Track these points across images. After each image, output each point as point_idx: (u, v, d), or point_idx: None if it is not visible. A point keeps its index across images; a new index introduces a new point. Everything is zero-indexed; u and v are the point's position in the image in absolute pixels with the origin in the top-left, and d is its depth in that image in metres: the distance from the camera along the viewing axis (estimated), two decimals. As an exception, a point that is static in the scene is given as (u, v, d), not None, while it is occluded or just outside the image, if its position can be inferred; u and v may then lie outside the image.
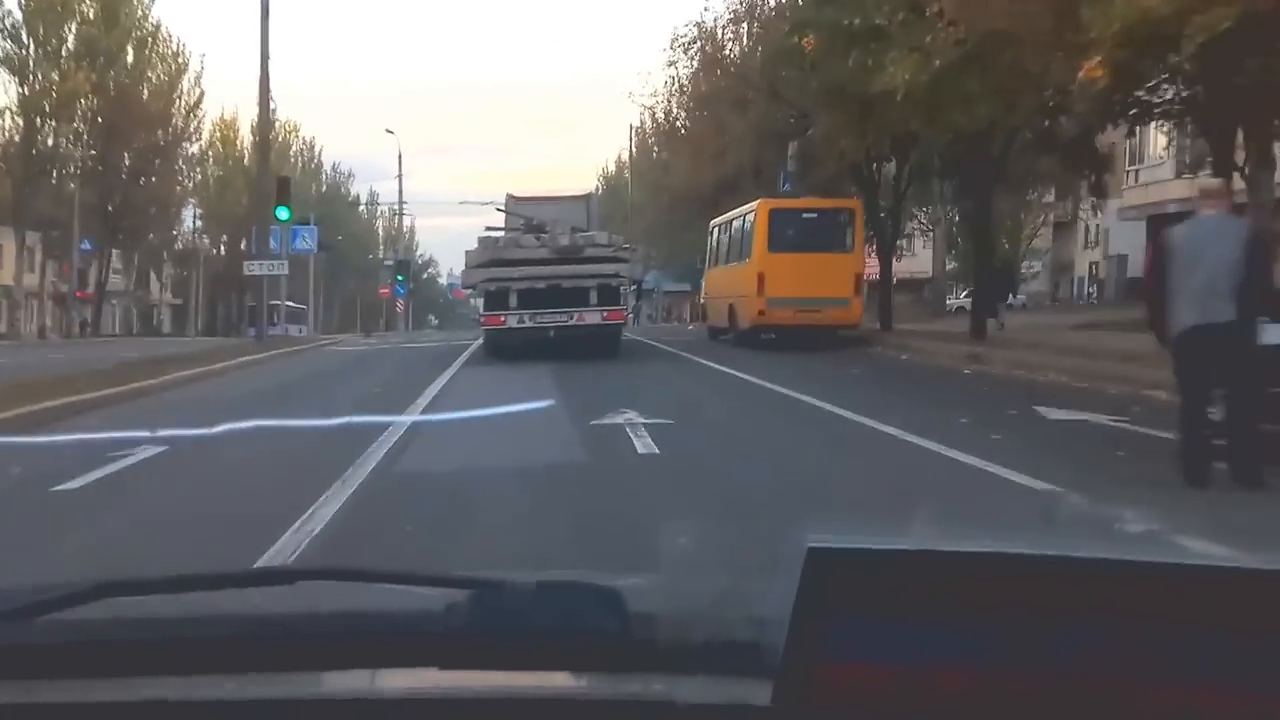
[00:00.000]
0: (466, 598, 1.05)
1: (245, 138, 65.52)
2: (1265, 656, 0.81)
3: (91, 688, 1.03)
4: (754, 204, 20.26)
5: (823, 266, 18.51)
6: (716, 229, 23.32)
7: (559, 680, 1.03)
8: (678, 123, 42.09)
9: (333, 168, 78.04)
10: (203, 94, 52.47)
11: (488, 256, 17.44)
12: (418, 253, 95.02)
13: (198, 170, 57.97)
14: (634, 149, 67.17)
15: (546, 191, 21.77)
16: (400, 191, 58.57)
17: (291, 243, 28.94)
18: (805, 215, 19.58)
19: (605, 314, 17.05)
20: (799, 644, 0.85)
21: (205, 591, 1.17)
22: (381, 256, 70.49)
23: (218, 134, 62.91)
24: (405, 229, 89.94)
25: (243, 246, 49.96)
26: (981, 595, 0.85)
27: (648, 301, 61.33)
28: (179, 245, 61.37)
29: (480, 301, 18.71)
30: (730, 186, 36.75)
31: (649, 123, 43.69)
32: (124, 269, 57.55)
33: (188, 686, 1.02)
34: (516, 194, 20.84)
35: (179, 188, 53.50)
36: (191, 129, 53.13)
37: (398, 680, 1.05)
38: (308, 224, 32.24)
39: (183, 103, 51.66)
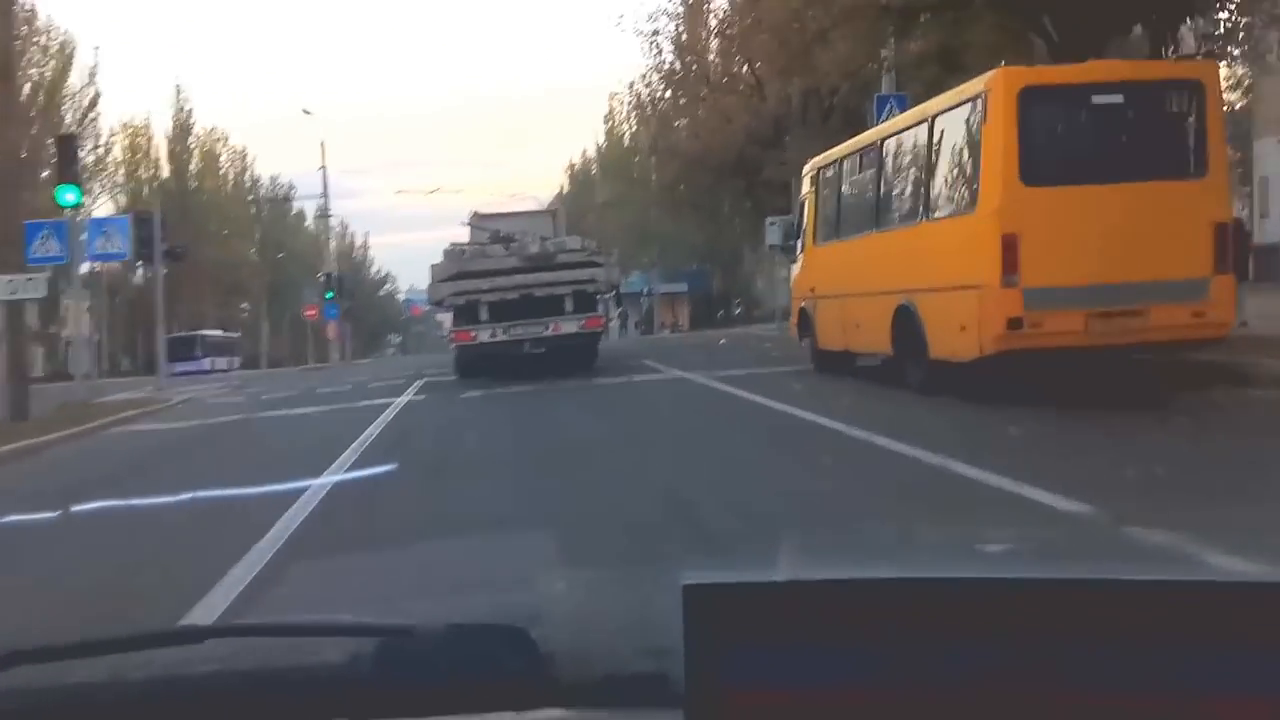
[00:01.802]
0: (376, 646, 1.05)
1: (160, 145, 56.90)
2: (1146, 659, 0.83)
3: None
4: (975, 84, 9.54)
5: (1144, 212, 8.75)
6: (833, 168, 13.13)
7: None
8: (690, 68, 32.88)
9: (271, 181, 68.86)
10: (99, 94, 44.35)
11: (454, 269, 16.55)
12: (373, 269, 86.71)
13: (96, 183, 48.54)
14: (602, 144, 57.62)
15: (512, 206, 21.43)
16: (325, 185, 49.22)
17: (89, 244, 17.70)
18: (1099, 99, 9.00)
19: (583, 322, 16.32)
20: (700, 673, 0.86)
21: (117, 654, 1.14)
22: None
23: (124, 141, 53.46)
24: (357, 245, 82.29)
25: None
26: (861, 619, 0.85)
27: (632, 307, 52.17)
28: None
29: (448, 317, 17.62)
30: (770, 140, 27.83)
31: (653, 66, 33.69)
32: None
33: None
34: (482, 210, 20.12)
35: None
36: (84, 133, 44.49)
37: None
38: (124, 218, 20.38)
39: (73, 103, 44.29)
